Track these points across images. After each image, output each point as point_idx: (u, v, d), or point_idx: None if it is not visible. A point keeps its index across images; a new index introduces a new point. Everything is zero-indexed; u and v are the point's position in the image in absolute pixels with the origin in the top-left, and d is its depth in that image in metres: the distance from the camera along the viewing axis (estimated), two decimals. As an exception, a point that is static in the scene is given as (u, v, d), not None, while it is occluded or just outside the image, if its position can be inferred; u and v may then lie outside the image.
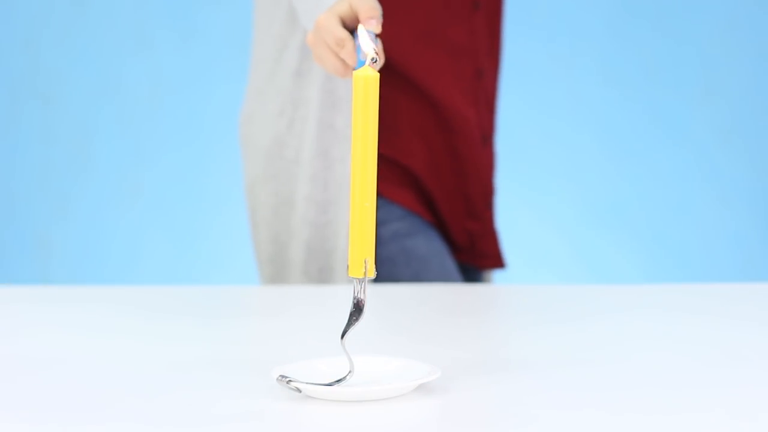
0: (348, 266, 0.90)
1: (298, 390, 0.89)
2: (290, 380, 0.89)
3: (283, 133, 1.63)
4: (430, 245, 1.62)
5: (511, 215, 2.99)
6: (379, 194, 1.61)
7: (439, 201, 1.65)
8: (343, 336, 0.90)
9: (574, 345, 1.13)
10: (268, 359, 1.01)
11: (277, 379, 0.90)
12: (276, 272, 1.65)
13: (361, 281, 0.90)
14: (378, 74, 0.91)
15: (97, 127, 3.50)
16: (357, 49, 1.08)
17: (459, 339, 1.16)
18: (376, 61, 0.96)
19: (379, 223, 1.60)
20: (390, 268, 1.59)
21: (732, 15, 3.56)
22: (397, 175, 1.63)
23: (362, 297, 0.90)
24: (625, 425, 0.84)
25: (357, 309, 0.91)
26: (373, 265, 0.90)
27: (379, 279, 1.58)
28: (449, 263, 1.63)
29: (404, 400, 0.89)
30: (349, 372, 0.90)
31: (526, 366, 1.02)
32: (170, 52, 3.51)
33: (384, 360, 0.96)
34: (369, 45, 1.00)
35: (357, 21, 1.09)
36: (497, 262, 1.72)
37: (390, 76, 1.60)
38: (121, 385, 0.96)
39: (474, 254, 1.70)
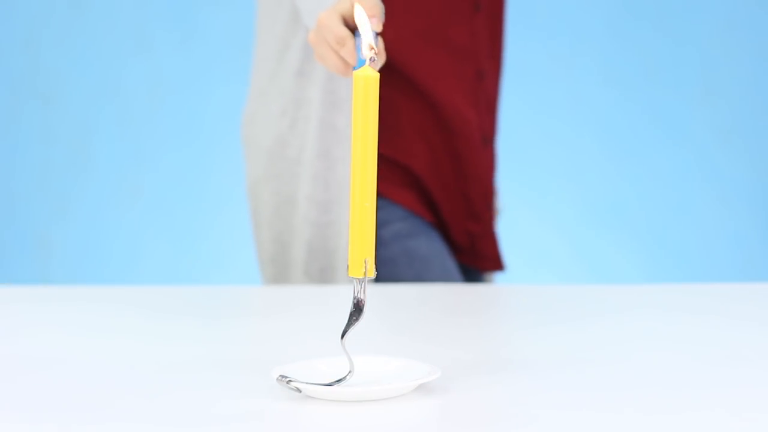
0: (348, 266, 0.90)
1: (298, 390, 0.89)
2: (290, 380, 0.89)
3: (285, 132, 1.63)
4: (432, 246, 1.62)
5: (511, 215, 2.99)
6: (381, 195, 1.61)
7: (439, 201, 1.65)
8: (343, 336, 0.90)
9: (574, 345, 1.13)
10: (268, 359, 1.01)
11: (277, 379, 0.90)
12: (278, 272, 1.65)
13: (361, 281, 0.90)
14: (378, 74, 0.91)
15: (97, 127, 3.50)
16: (357, 48, 1.08)
17: (459, 339, 1.16)
18: (375, 60, 0.96)
19: (381, 224, 1.60)
20: (392, 268, 1.59)
21: (732, 15, 3.56)
22: (398, 176, 1.63)
23: (362, 297, 0.90)
24: (625, 425, 0.84)
25: (357, 309, 0.91)
26: (373, 265, 0.90)
27: (380, 279, 1.58)
28: (451, 264, 1.63)
29: (404, 400, 0.89)
30: (349, 372, 0.90)
31: (526, 366, 1.02)
32: (170, 52, 3.51)
33: (384, 360, 0.96)
34: (368, 42, 1.00)
35: None
36: (496, 264, 1.72)
37: (391, 76, 1.60)
38: (120, 385, 0.96)
39: (474, 256, 1.70)
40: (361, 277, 0.90)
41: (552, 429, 0.83)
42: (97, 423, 0.85)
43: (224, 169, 3.43)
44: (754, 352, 1.09)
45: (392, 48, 1.58)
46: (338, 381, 0.90)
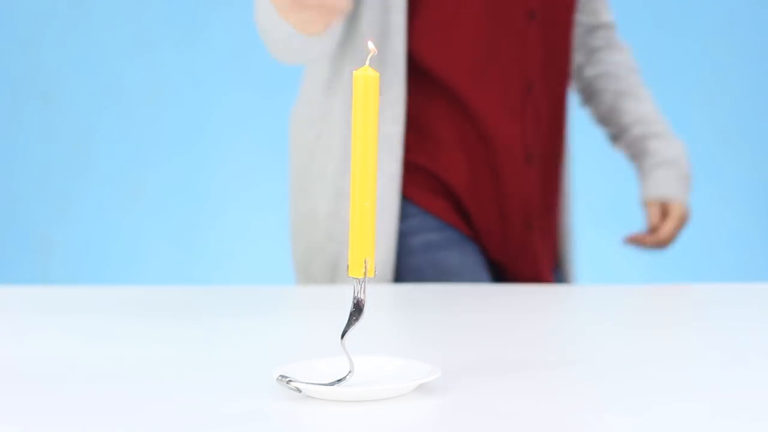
0: (348, 266, 0.90)
1: (298, 390, 0.89)
2: (290, 380, 0.89)
3: (312, 143, 1.62)
4: (464, 260, 1.58)
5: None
6: (417, 203, 1.59)
7: (475, 218, 1.61)
8: (343, 336, 0.90)
9: (574, 345, 1.13)
10: (268, 359, 1.01)
11: (277, 379, 0.89)
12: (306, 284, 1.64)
13: (361, 281, 0.90)
14: (378, 74, 0.91)
15: (97, 127, 3.50)
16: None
17: (460, 339, 1.16)
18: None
19: (413, 233, 1.58)
20: (418, 278, 1.57)
21: (734, 15, 3.56)
22: (437, 187, 1.60)
23: (362, 297, 0.90)
24: (625, 425, 0.84)
25: (357, 309, 0.90)
26: (373, 265, 0.90)
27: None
28: (484, 279, 1.60)
29: (404, 400, 0.89)
30: (349, 372, 0.90)
31: (526, 366, 1.01)
32: (172, 53, 3.51)
33: (384, 360, 0.96)
34: None
35: None
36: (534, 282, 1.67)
37: (433, 88, 1.58)
38: (120, 386, 0.96)
39: (510, 273, 1.66)
40: (361, 277, 0.90)
41: (552, 429, 0.83)
42: (97, 423, 0.85)
43: (226, 169, 3.43)
44: (756, 353, 1.09)
45: (434, 59, 1.57)
46: (338, 381, 0.90)
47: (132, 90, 3.50)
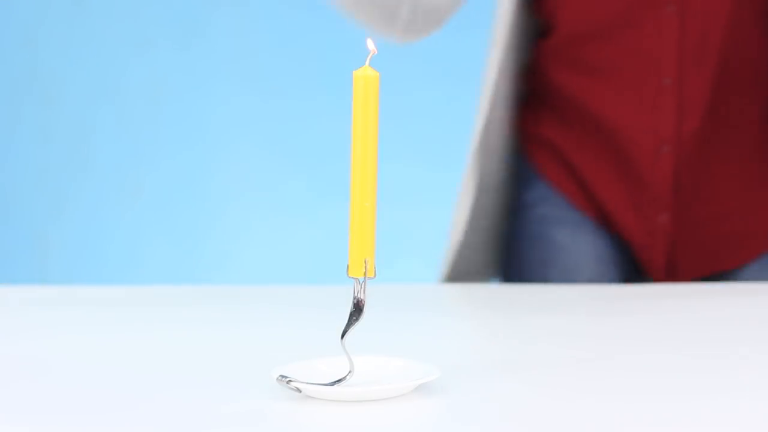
0: (348, 266, 0.90)
1: (298, 390, 0.89)
2: (290, 380, 0.89)
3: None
4: (575, 239, 1.57)
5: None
6: (545, 179, 1.59)
7: (599, 197, 1.58)
8: (343, 336, 0.90)
9: (576, 345, 1.12)
10: (268, 359, 1.01)
11: (277, 379, 0.89)
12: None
13: (361, 281, 0.90)
14: (378, 74, 0.91)
15: (96, 126, 3.50)
16: None
17: (460, 339, 1.16)
18: None
19: (531, 205, 1.59)
20: (528, 248, 1.58)
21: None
22: (564, 164, 1.59)
23: (362, 297, 0.90)
24: (624, 425, 0.84)
25: (357, 309, 0.91)
26: (374, 265, 0.90)
27: (505, 252, 1.60)
28: (591, 262, 1.57)
29: (404, 400, 0.89)
30: (349, 372, 0.90)
31: (526, 366, 1.01)
32: (171, 53, 3.51)
33: (384, 360, 0.96)
34: None
35: None
36: (663, 275, 1.59)
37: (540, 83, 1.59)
38: (120, 385, 0.96)
39: (639, 263, 1.60)
40: (361, 277, 0.90)
41: (552, 429, 0.83)
42: (96, 423, 0.85)
43: (225, 169, 3.43)
44: (756, 353, 1.09)
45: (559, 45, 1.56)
46: (338, 381, 0.90)
47: (131, 89, 3.50)
